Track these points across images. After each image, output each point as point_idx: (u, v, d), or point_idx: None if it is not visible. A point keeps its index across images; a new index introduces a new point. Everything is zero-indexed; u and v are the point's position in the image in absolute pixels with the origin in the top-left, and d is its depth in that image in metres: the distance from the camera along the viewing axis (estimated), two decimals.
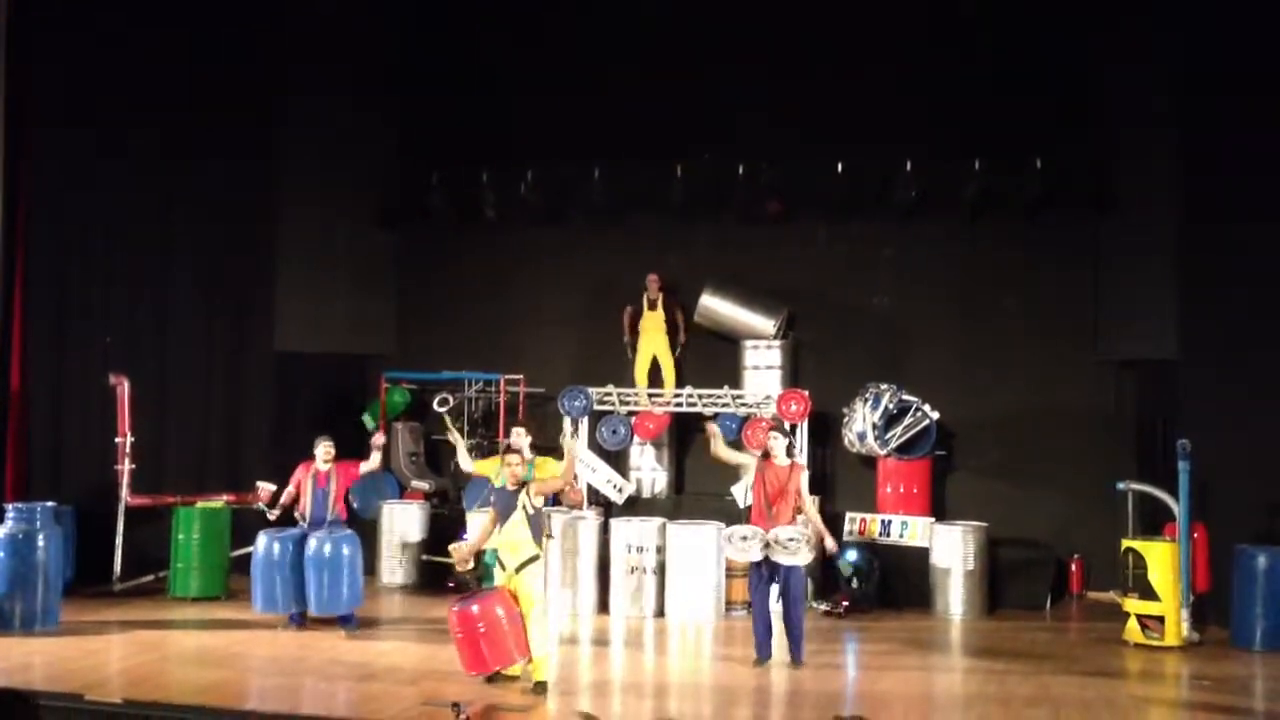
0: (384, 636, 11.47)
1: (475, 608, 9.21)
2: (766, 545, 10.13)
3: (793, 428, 13.70)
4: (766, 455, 10.44)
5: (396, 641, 11.25)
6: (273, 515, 11.67)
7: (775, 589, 10.39)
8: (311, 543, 11.25)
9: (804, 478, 10.41)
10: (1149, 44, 13.46)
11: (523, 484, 9.49)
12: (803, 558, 10.16)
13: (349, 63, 15.56)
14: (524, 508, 9.39)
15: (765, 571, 10.27)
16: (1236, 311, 12.12)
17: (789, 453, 10.42)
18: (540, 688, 9.28)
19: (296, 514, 11.63)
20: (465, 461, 11.54)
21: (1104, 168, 13.98)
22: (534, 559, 9.42)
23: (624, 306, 15.01)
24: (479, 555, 10.62)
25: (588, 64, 15.37)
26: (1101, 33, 14.09)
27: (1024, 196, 13.97)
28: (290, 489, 11.63)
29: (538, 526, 9.47)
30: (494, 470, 10.85)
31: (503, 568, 9.51)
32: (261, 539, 11.53)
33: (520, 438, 11.27)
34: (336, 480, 11.59)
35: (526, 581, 9.38)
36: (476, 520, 11.07)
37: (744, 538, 10.24)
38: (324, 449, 11.61)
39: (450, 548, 11.06)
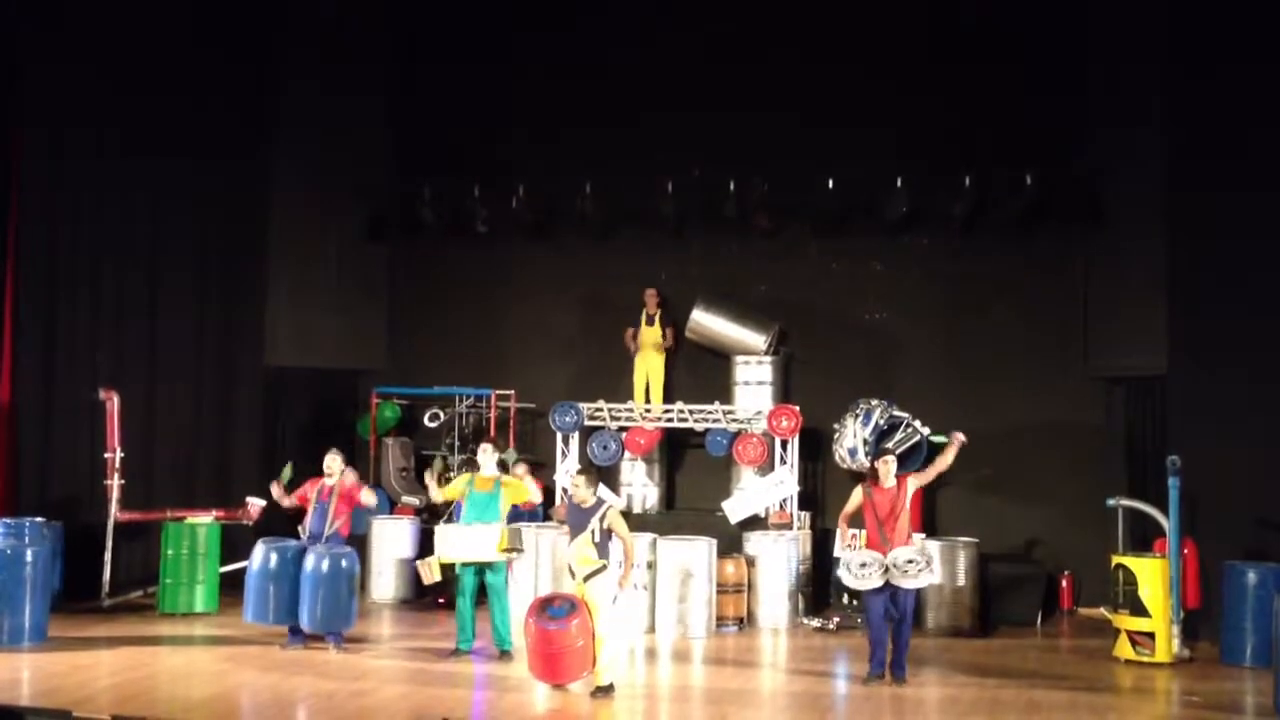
0: (375, 652, 11.42)
1: (553, 627, 9.52)
2: (886, 570, 10.13)
3: (784, 443, 13.71)
4: (876, 480, 10.50)
5: (388, 657, 11.21)
6: (255, 509, 11.58)
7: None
8: (310, 558, 11.12)
9: (911, 483, 10.49)
10: (1139, 60, 13.50)
11: (598, 505, 9.84)
12: (925, 579, 10.25)
13: (341, 76, 15.57)
14: (593, 531, 9.77)
15: (887, 594, 10.24)
16: (1226, 328, 12.16)
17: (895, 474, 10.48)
18: (601, 691, 9.64)
19: (300, 526, 11.56)
20: (435, 494, 11.51)
21: (1094, 184, 14.03)
22: (601, 570, 9.79)
23: (620, 324, 14.96)
24: (451, 567, 10.96)
25: (580, 78, 15.41)
26: (1092, 48, 14.15)
27: (1015, 212, 14.01)
28: (296, 500, 11.60)
29: (604, 545, 9.85)
30: (460, 491, 11.16)
31: (573, 576, 9.87)
32: (259, 549, 11.41)
33: (486, 454, 11.34)
34: (339, 495, 11.47)
35: (593, 590, 9.76)
36: (444, 533, 11.11)
37: (863, 564, 10.22)
38: (327, 462, 11.53)
39: (418, 564, 11.32)
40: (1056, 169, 13.96)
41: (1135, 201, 13.50)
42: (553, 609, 9.70)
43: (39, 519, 12.00)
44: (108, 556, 13.14)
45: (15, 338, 13.75)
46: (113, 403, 13.29)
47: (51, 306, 13.94)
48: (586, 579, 9.79)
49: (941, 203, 14.16)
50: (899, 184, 14.10)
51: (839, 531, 10.69)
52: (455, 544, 10.98)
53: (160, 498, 13.82)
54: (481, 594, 11.17)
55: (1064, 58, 14.27)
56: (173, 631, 12.15)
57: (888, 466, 10.46)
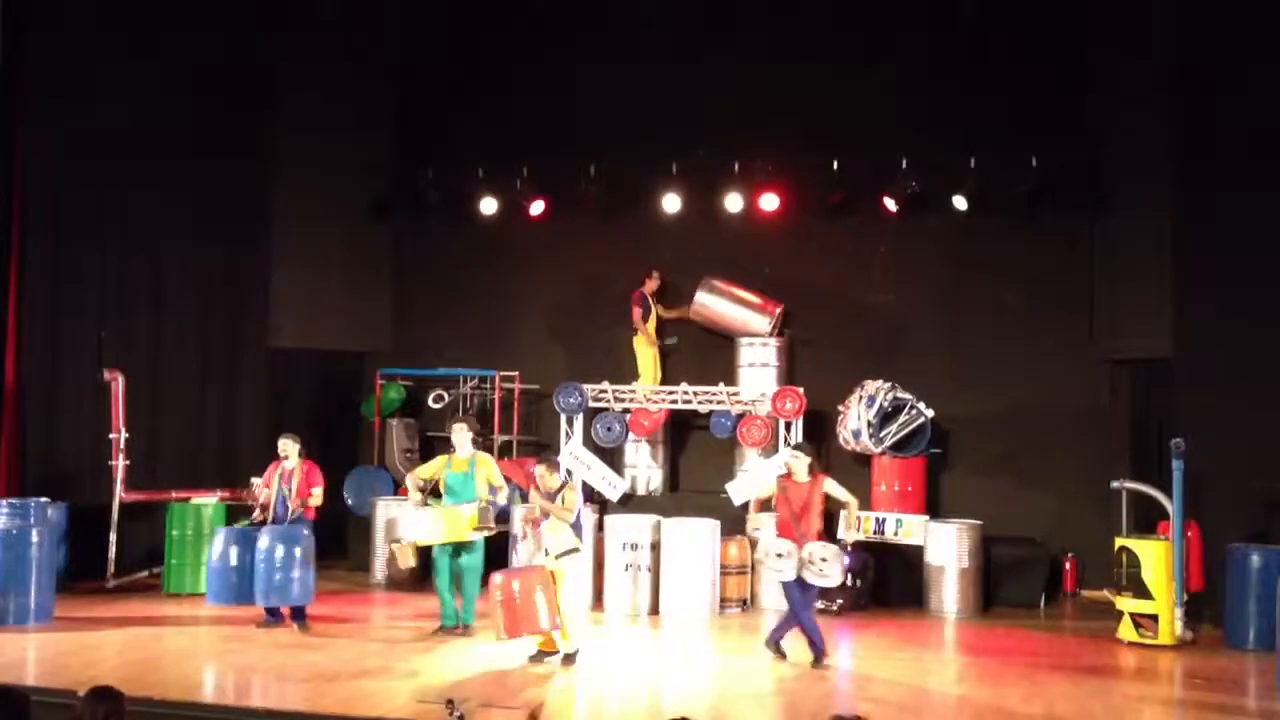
0: (379, 633, 11.45)
1: (515, 581, 10.10)
2: (800, 564, 10.20)
3: (788, 425, 13.71)
4: (788, 474, 10.56)
5: (391, 638, 11.24)
6: (256, 518, 11.64)
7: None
8: (263, 539, 11.21)
9: (829, 484, 10.51)
10: (1146, 42, 13.44)
11: (562, 488, 10.46)
12: (833, 580, 10.30)
13: (345, 57, 15.56)
14: (560, 500, 10.36)
15: (798, 584, 10.34)
16: (1232, 310, 12.13)
17: (810, 471, 10.52)
18: (568, 659, 10.23)
19: (265, 515, 11.67)
20: (416, 498, 11.40)
21: (1100, 165, 13.99)
22: (573, 550, 10.38)
23: (624, 305, 14.89)
24: (428, 550, 11.18)
25: (584, 59, 15.38)
26: (1098, 30, 14.09)
27: (1020, 193, 13.96)
28: (266, 489, 11.70)
29: (578, 526, 10.46)
30: (437, 473, 11.42)
31: (545, 554, 10.41)
32: (220, 535, 11.61)
33: (461, 433, 11.44)
34: (300, 478, 11.55)
35: (563, 566, 10.35)
36: (416, 515, 11.18)
37: (779, 555, 10.30)
38: (281, 446, 11.65)
39: (391, 545, 11.52)
40: (1062, 150, 13.92)
41: (1141, 183, 13.45)
42: (516, 572, 10.39)
43: (44, 500, 12.02)
44: (113, 537, 13.19)
45: (21, 319, 13.77)
46: (118, 384, 13.32)
47: (57, 288, 13.96)
48: (558, 556, 10.35)
49: (947, 184, 14.12)
50: (904, 165, 14.07)
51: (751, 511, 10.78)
52: (427, 526, 11.08)
53: (165, 479, 13.87)
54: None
55: (1069, 38, 14.21)
56: (178, 612, 12.20)
57: (799, 462, 10.49)
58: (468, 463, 11.31)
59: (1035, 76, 14.21)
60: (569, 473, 13.64)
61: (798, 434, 13.72)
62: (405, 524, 11.52)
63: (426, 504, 11.27)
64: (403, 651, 10.71)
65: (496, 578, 10.23)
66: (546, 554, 10.44)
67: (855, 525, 10.72)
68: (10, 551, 11.27)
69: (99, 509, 13.28)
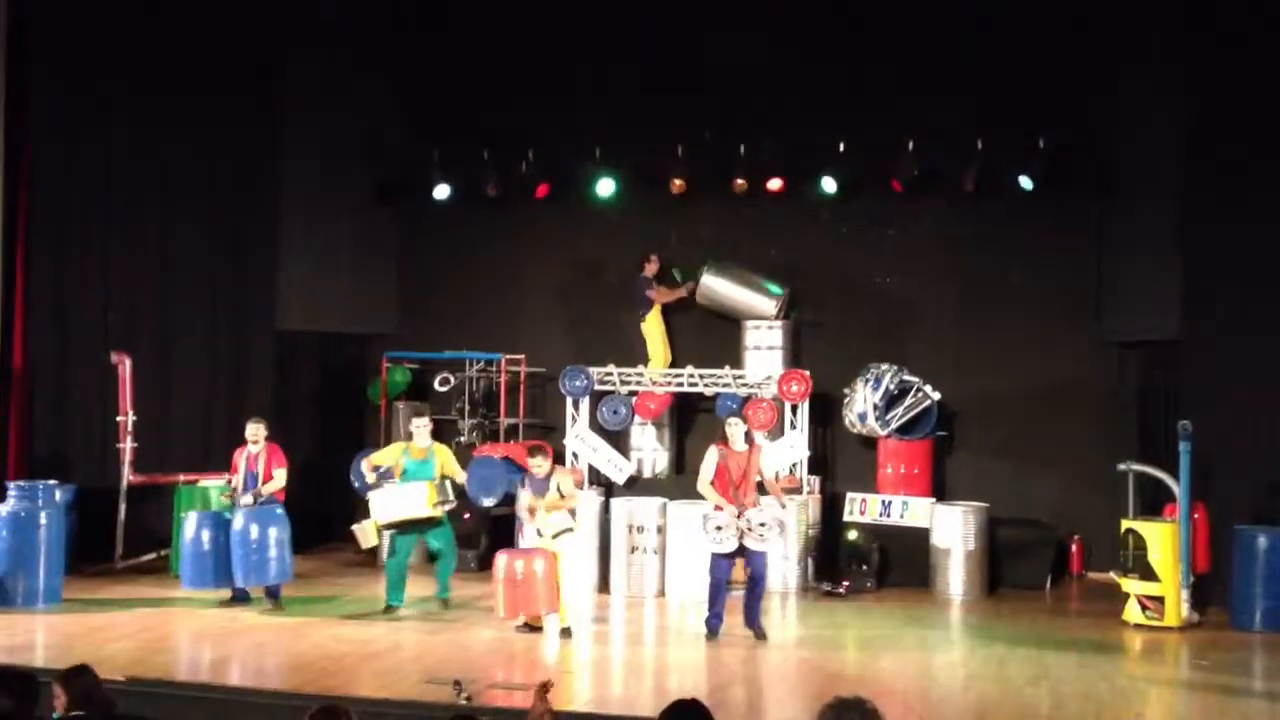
0: (384, 615, 11.47)
1: (519, 561, 10.39)
2: (740, 534, 10.36)
3: (794, 408, 13.70)
4: (726, 442, 10.64)
5: (398, 620, 11.27)
6: (245, 500, 11.62)
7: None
8: (238, 520, 11.30)
9: (762, 457, 10.78)
10: (1150, 22, 13.39)
11: (551, 472, 10.81)
12: (774, 544, 10.69)
13: (351, 39, 15.51)
14: (557, 489, 10.76)
15: (735, 557, 10.63)
16: (1238, 292, 12.10)
17: (747, 439, 10.78)
18: (565, 632, 10.53)
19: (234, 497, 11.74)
20: (370, 478, 11.81)
21: (1106, 146, 13.94)
22: (567, 530, 10.80)
23: (629, 288, 14.90)
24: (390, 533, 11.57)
25: (590, 41, 15.31)
26: (1103, 10, 14.02)
27: (1027, 175, 13.90)
28: (235, 474, 11.77)
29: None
30: (394, 458, 11.76)
31: (540, 535, 10.76)
32: (190, 518, 11.66)
33: (420, 429, 11.82)
34: (266, 461, 11.61)
35: (560, 546, 10.71)
36: (376, 496, 11.51)
37: (719, 527, 10.43)
38: (250, 430, 11.72)
39: (353, 528, 11.79)
40: (1069, 132, 13.87)
41: (1149, 164, 13.39)
42: (519, 553, 10.69)
43: (52, 482, 12.04)
44: (121, 519, 13.22)
45: (28, 302, 13.79)
46: (125, 366, 13.34)
47: (64, 270, 13.98)
48: (555, 536, 10.73)
49: (953, 166, 14.08)
50: (910, 147, 14.04)
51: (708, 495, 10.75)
52: (387, 505, 11.36)
53: (173, 461, 13.90)
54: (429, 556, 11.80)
55: (1077, 18, 14.15)
56: (185, 594, 12.21)
57: (735, 429, 10.65)
58: (426, 451, 11.72)
59: (1042, 57, 14.14)
60: (574, 456, 13.72)
61: (804, 417, 13.72)
62: (371, 506, 11.65)
63: (380, 485, 11.52)
64: (411, 632, 10.75)
65: (501, 558, 10.54)
66: (541, 535, 10.77)
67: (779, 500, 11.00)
68: (19, 533, 11.32)
69: (107, 491, 13.31)
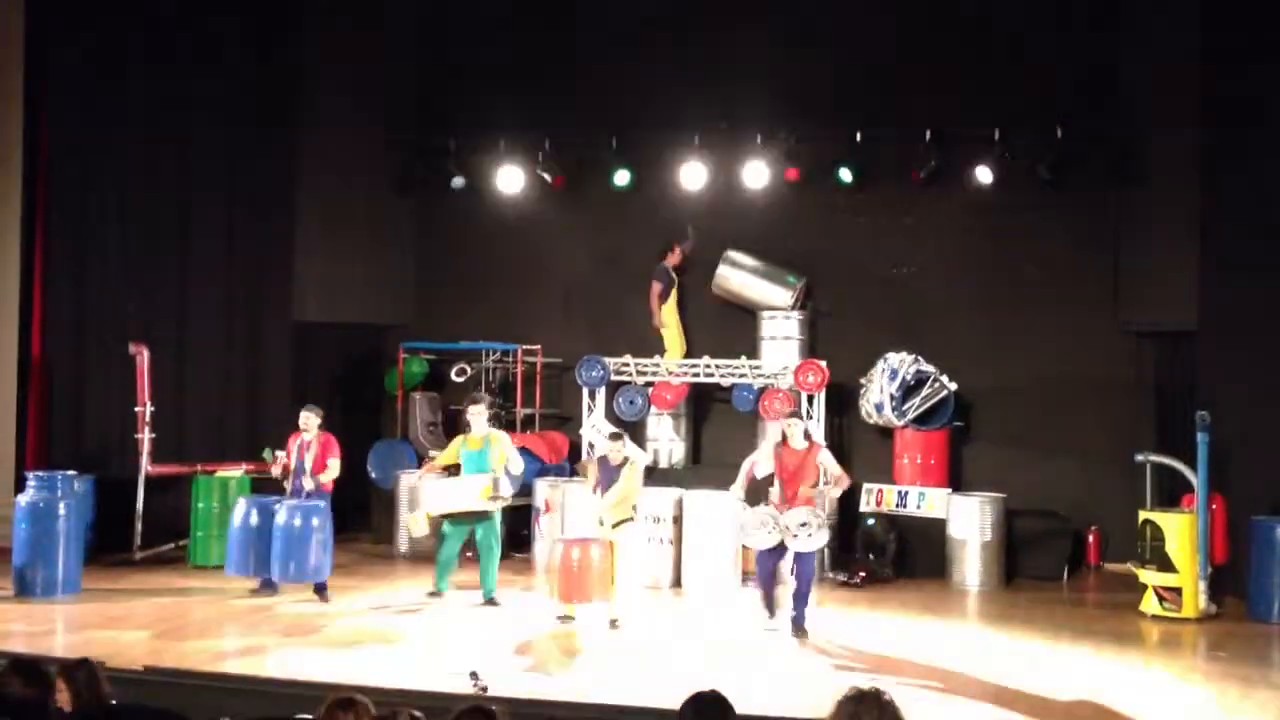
0: (402, 605, 11.51)
1: (576, 549, 10.59)
2: (781, 532, 10.33)
3: (810, 398, 13.69)
4: (784, 440, 10.62)
5: (415, 610, 11.30)
6: (275, 473, 11.66)
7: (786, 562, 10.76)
8: (281, 513, 11.22)
9: (824, 455, 10.66)
10: (1174, 13, 13.30)
11: (624, 462, 10.85)
12: (815, 543, 10.43)
13: (370, 31, 15.53)
14: (626, 482, 10.79)
15: (779, 554, 10.57)
16: (1257, 283, 12.04)
17: (807, 436, 10.68)
18: (614, 623, 10.65)
19: (285, 482, 11.70)
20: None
21: (1126, 136, 13.87)
22: (628, 520, 10.86)
23: (645, 279, 14.86)
24: (438, 522, 11.46)
25: (607, 32, 15.31)
26: (1122, 2, 13.95)
27: (1046, 165, 13.85)
28: (287, 460, 11.67)
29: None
30: (455, 454, 11.68)
31: (601, 524, 10.82)
32: (240, 504, 11.62)
33: (476, 414, 11.61)
34: (319, 451, 11.55)
35: (620, 536, 10.80)
36: (430, 487, 11.57)
37: (760, 524, 10.44)
38: (302, 418, 11.67)
39: (406, 519, 11.84)
40: (1089, 122, 13.81)
41: (1168, 155, 13.33)
42: (578, 541, 10.79)
43: (71, 472, 12.10)
44: (139, 509, 13.27)
45: (47, 293, 13.87)
46: (143, 357, 13.38)
47: (82, 261, 14.05)
48: (615, 525, 10.75)
49: (971, 156, 14.03)
50: (928, 137, 14.00)
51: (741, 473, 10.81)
52: (440, 496, 11.36)
53: (191, 451, 13.95)
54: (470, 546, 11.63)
55: (1098, 9, 14.08)
56: (204, 584, 12.27)
57: (793, 428, 10.60)
58: (482, 441, 11.50)
59: (1061, 47, 14.10)
60: (590, 447, 13.73)
61: (820, 407, 13.70)
62: (423, 496, 11.71)
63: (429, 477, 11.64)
64: (426, 623, 10.78)
65: (560, 545, 10.80)
66: (602, 524, 10.82)
67: (822, 505, 10.76)
68: (38, 524, 11.36)
69: (125, 482, 13.37)
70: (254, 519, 11.40)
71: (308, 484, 11.47)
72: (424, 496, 11.58)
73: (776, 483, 10.59)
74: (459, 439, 11.82)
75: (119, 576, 12.44)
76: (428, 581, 11.78)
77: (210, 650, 9.61)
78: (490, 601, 11.41)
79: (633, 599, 11.12)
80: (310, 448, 11.57)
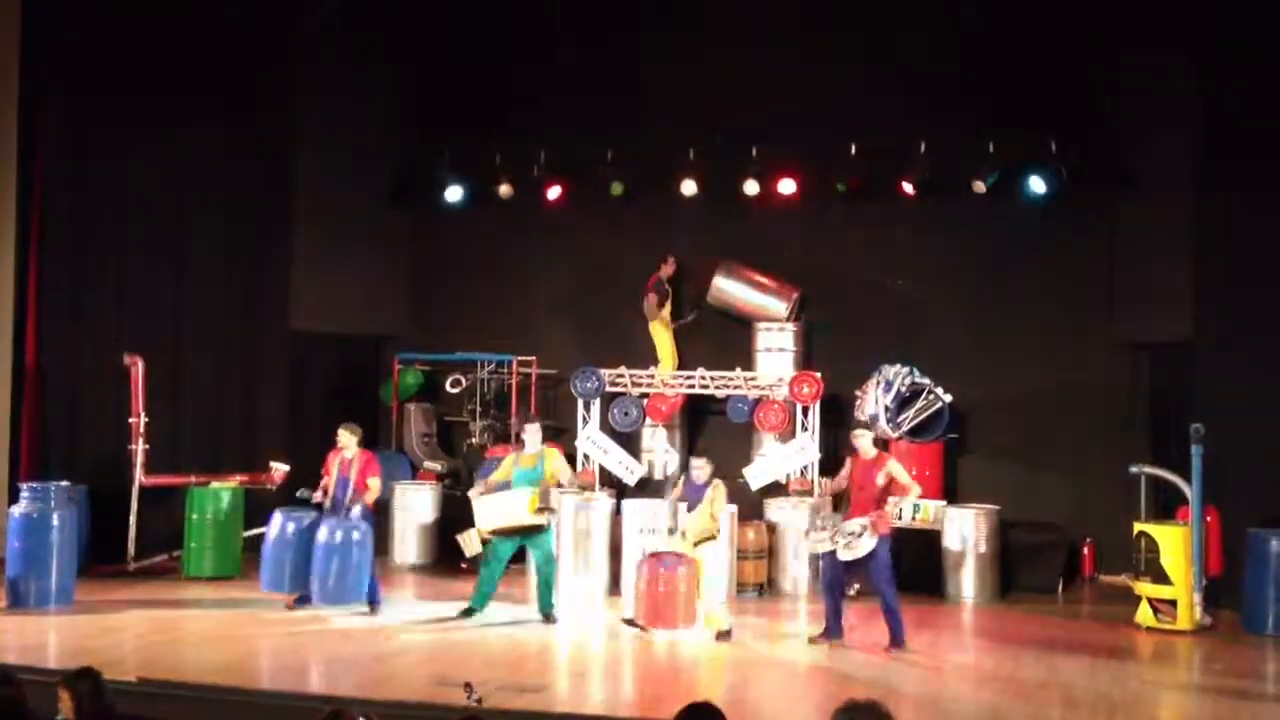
0: (396, 617, 11.48)
1: (662, 569, 10.76)
2: (832, 541, 10.45)
3: (805, 410, 13.69)
4: (855, 453, 10.77)
5: (409, 622, 11.27)
6: (316, 499, 11.31)
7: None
8: (323, 530, 11.03)
9: (892, 465, 10.68)
10: (1169, 23, 13.34)
11: (709, 481, 10.92)
12: (851, 552, 10.37)
13: (365, 43, 15.53)
14: (711, 502, 10.84)
15: (835, 561, 10.56)
16: (1253, 295, 12.08)
17: (877, 445, 10.92)
18: (723, 635, 10.64)
19: (325, 500, 11.39)
20: (477, 489, 11.54)
21: (1122, 149, 13.90)
22: (711, 538, 10.86)
23: (641, 290, 14.86)
24: (485, 541, 11.20)
25: (602, 45, 15.33)
26: (1123, 10, 13.98)
27: (1040, 177, 13.86)
28: (325, 477, 11.46)
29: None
30: (508, 472, 11.40)
31: (683, 538, 10.93)
32: (277, 518, 11.42)
33: (531, 434, 11.49)
34: (361, 469, 11.38)
35: (703, 554, 10.84)
36: (479, 503, 11.22)
37: (821, 528, 10.69)
38: (342, 437, 11.51)
39: (458, 537, 11.54)
40: (1084, 133, 13.84)
41: (1163, 167, 13.36)
42: (665, 560, 10.90)
43: (65, 483, 12.08)
44: (133, 520, 13.23)
45: (41, 303, 13.85)
46: (138, 368, 13.36)
47: (77, 271, 14.05)
48: (698, 543, 10.83)
49: (967, 168, 14.05)
50: (922, 149, 14.02)
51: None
52: (488, 512, 11.12)
53: (185, 462, 13.91)
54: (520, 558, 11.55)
55: (1093, 20, 14.10)
56: (198, 595, 12.26)
57: (861, 440, 10.75)
58: (535, 458, 11.35)
59: (1057, 58, 14.11)
60: (585, 458, 13.73)
61: (815, 419, 13.71)
62: (474, 514, 11.39)
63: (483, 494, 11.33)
64: (422, 635, 10.76)
65: (644, 564, 10.93)
66: (684, 538, 10.93)
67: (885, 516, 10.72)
68: (32, 535, 11.33)
69: (119, 493, 13.32)
70: (289, 537, 11.22)
71: (353, 504, 11.19)
72: (476, 514, 11.25)
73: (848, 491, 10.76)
74: (511, 456, 11.64)
75: (113, 588, 12.40)
76: (427, 591, 11.78)
77: (204, 662, 9.59)
78: (548, 618, 11.23)
79: (724, 610, 11.02)
80: (353, 465, 11.38)
